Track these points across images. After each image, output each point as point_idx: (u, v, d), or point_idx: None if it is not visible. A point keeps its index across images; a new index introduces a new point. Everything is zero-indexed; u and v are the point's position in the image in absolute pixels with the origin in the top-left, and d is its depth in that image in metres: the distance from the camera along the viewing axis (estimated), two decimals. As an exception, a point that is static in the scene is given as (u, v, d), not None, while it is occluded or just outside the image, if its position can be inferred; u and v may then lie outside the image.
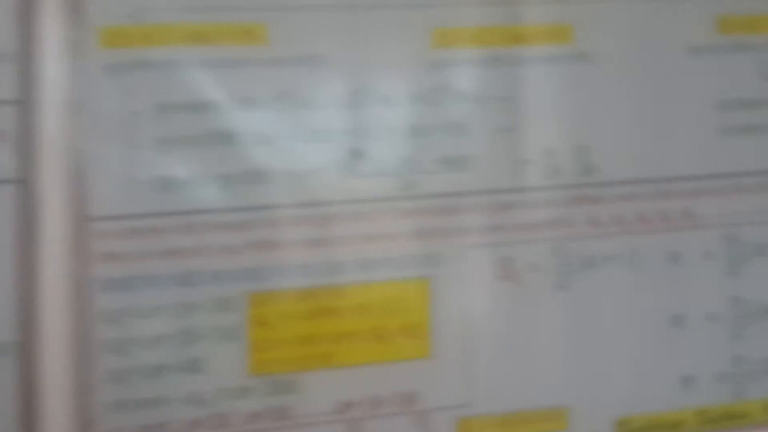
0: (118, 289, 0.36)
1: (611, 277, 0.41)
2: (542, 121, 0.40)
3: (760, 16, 0.42)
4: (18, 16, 0.34)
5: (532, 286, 0.40)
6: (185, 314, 0.37)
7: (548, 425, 0.40)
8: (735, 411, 0.42)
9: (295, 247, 0.38)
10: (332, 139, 0.38)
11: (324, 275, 0.38)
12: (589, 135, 0.40)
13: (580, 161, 0.40)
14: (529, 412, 0.40)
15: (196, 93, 0.37)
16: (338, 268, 0.38)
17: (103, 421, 0.36)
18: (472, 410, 0.39)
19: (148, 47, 0.36)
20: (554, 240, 0.40)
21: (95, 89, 0.36)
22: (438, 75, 0.39)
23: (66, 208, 0.35)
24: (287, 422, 0.38)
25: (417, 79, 0.39)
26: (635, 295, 0.41)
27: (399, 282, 0.39)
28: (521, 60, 0.40)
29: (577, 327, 0.40)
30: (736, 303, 0.42)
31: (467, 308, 0.39)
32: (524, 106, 0.40)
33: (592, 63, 0.40)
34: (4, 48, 0.34)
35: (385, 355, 0.39)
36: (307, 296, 0.38)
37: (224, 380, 0.37)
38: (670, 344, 0.41)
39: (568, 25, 0.40)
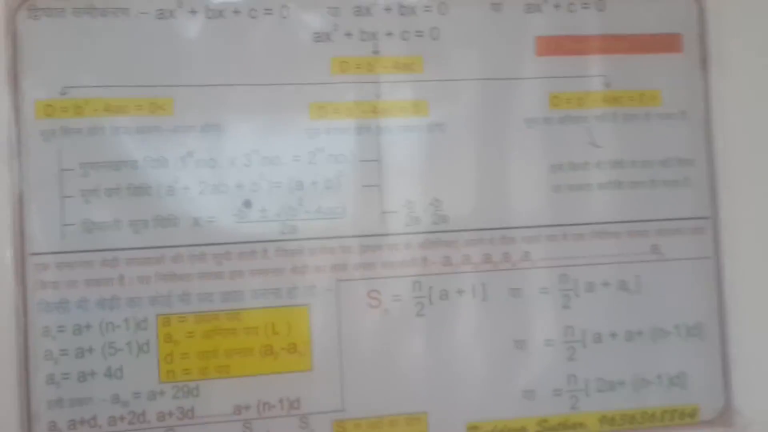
0: (53, 310, 0.46)
1: (462, 307, 0.48)
2: (402, 179, 0.48)
3: (585, 93, 0.52)
4: None
5: (396, 313, 0.48)
6: (107, 332, 0.46)
7: (410, 427, 0.47)
8: (571, 421, 0.48)
9: (197, 279, 0.46)
10: (227, 192, 0.47)
11: (221, 302, 0.47)
12: (442, 190, 0.48)
13: (435, 212, 0.48)
14: (393, 417, 0.46)
15: (115, 154, 0.46)
16: (233, 297, 0.47)
17: (43, 416, 0.45)
18: (346, 414, 0.46)
19: (75, 117, 0.46)
20: (414, 276, 0.48)
21: (33, 150, 0.45)
22: (315, 140, 0.48)
23: (10, 245, 0.45)
24: (192, 421, 0.46)
25: (298, 144, 0.48)
26: (483, 322, 0.47)
27: (284, 308, 0.47)
28: (384, 129, 0.48)
29: (433, 347, 0.48)
30: (569, 331, 0.48)
31: (342, 330, 0.47)
32: (387, 167, 0.48)
33: (444, 132, 0.49)
34: None
35: (273, 367, 0.47)
36: (207, 319, 0.46)
37: (139, 385, 0.46)
38: (513, 363, 0.47)
39: (424, 101, 0.49)
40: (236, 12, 0.47)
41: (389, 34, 0.49)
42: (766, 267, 0.52)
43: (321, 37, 0.49)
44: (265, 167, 0.48)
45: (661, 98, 0.52)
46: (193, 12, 0.47)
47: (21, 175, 0.45)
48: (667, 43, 0.52)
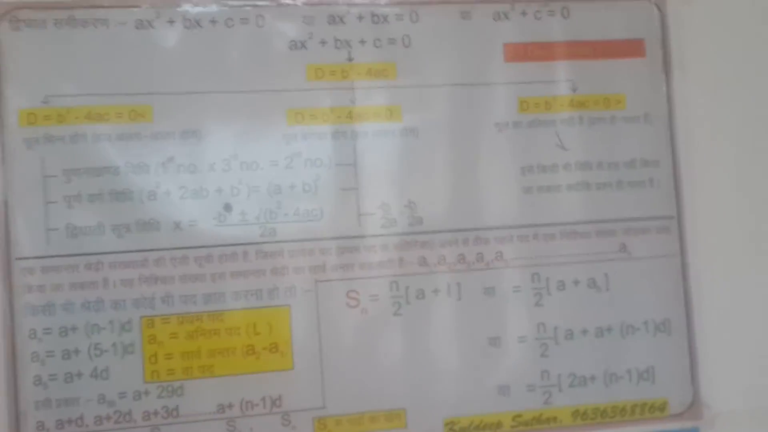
0: (39, 313, 0.47)
1: (438, 306, 0.50)
2: (378, 182, 0.50)
3: (553, 97, 0.54)
4: None
5: (374, 312, 0.50)
6: (92, 333, 0.47)
7: (389, 423, 0.48)
8: (545, 415, 0.50)
9: (179, 281, 0.48)
10: (208, 196, 0.49)
11: (203, 303, 0.48)
12: (416, 193, 0.50)
13: (410, 214, 0.50)
14: (373, 413, 0.48)
15: (96, 160, 0.47)
16: (215, 298, 0.48)
17: (30, 416, 0.47)
18: (327, 411, 0.48)
19: (57, 125, 0.47)
20: (390, 276, 0.50)
21: (17, 157, 0.47)
22: (292, 146, 0.50)
23: None
24: (177, 420, 0.48)
25: (276, 149, 0.49)
26: (458, 320, 0.49)
27: (265, 309, 0.49)
28: (360, 134, 0.50)
29: (411, 345, 0.49)
30: (541, 327, 0.51)
31: (322, 330, 0.49)
32: (363, 170, 0.50)
33: (417, 136, 0.51)
34: None
35: (255, 367, 0.49)
36: (190, 320, 0.48)
37: (125, 385, 0.47)
38: (488, 360, 0.49)
39: (397, 106, 0.51)
40: (213, 21, 0.49)
41: (362, 41, 0.51)
42: (729, 263, 0.54)
43: (296, 45, 0.50)
44: (244, 172, 0.49)
45: (626, 102, 0.53)
46: (171, 22, 0.49)
47: (5, 181, 0.46)
48: (631, 48, 0.54)
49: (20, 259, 0.46)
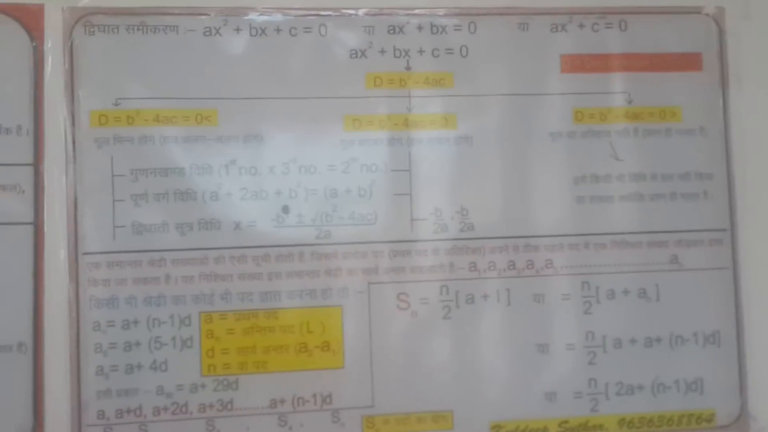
0: (103, 306, 0.50)
1: (487, 311, 0.50)
2: (431, 188, 0.51)
3: (608, 109, 0.56)
4: (31, 102, 0.49)
5: (424, 315, 0.51)
6: (153, 327, 0.50)
7: (436, 424, 0.49)
8: (591, 423, 0.50)
9: (237, 279, 0.51)
10: (267, 198, 0.51)
11: (259, 301, 0.51)
12: (469, 200, 0.52)
13: (462, 220, 0.52)
14: (420, 414, 0.49)
15: (163, 161, 0.50)
16: (271, 296, 0.51)
17: (92, 405, 0.50)
18: (376, 410, 0.49)
19: (126, 126, 0.50)
20: (441, 281, 0.52)
21: (87, 156, 0.49)
22: (349, 151, 0.52)
23: (65, 245, 0.49)
24: (231, 413, 0.49)
25: (333, 154, 0.52)
26: (507, 326, 0.49)
27: (318, 308, 0.51)
28: (415, 141, 0.52)
29: (459, 348, 0.50)
30: (589, 336, 0.51)
31: (372, 330, 0.51)
32: (417, 176, 0.52)
33: (471, 144, 0.52)
34: (22, 124, 0.49)
35: (308, 364, 0.50)
36: (246, 317, 0.51)
37: (183, 378, 0.50)
38: (535, 366, 0.49)
39: (453, 114, 0.53)
40: (278, 30, 0.52)
41: (421, 51, 0.53)
42: None
43: (356, 54, 0.53)
44: (302, 175, 0.52)
45: (682, 114, 0.55)
46: (238, 30, 0.51)
47: (76, 179, 0.50)
48: (688, 61, 0.56)
49: (87, 254, 0.49)
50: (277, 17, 0.52)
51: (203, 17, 0.51)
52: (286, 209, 0.52)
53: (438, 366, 0.50)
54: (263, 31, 0.52)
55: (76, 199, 0.50)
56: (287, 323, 0.51)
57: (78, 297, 0.50)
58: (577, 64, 0.54)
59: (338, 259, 0.52)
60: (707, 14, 0.55)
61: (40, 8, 0.48)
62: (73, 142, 0.50)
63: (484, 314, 0.51)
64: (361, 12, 0.53)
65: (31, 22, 0.48)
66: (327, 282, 0.51)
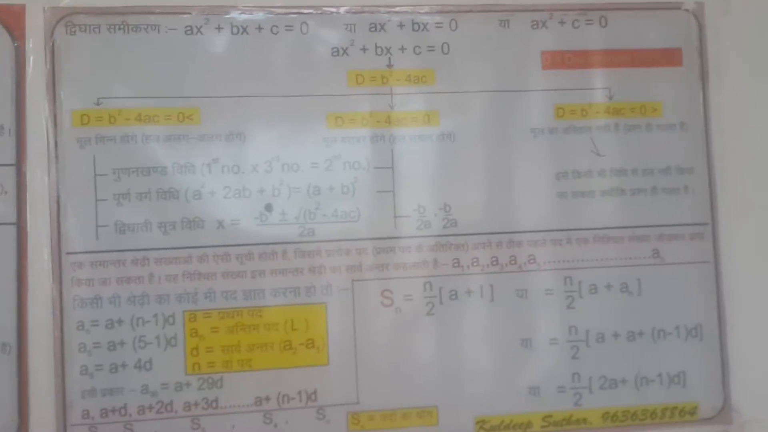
0: (87, 306, 0.50)
1: (471, 307, 0.52)
2: (414, 185, 0.52)
3: (589, 104, 0.56)
4: (13, 102, 0.49)
5: (408, 312, 0.52)
6: (137, 326, 0.51)
7: (421, 420, 0.50)
8: (575, 417, 0.52)
9: (221, 278, 0.51)
10: (250, 196, 0.52)
11: (243, 299, 0.51)
12: (452, 196, 0.53)
13: (445, 216, 0.53)
14: (406, 410, 0.50)
15: (145, 160, 0.51)
16: (254, 295, 0.51)
17: (77, 405, 0.50)
18: (361, 407, 0.50)
19: (108, 126, 0.50)
20: (424, 277, 0.53)
21: (69, 156, 0.50)
22: (332, 148, 0.53)
23: (48, 245, 0.50)
24: (216, 411, 0.50)
25: (316, 152, 0.52)
26: (491, 321, 0.51)
27: (302, 306, 0.52)
28: (397, 138, 0.53)
29: (443, 344, 0.51)
30: (572, 330, 0.52)
31: (357, 327, 0.52)
32: (400, 173, 0.53)
33: (454, 141, 0.53)
34: (4, 124, 0.49)
35: (292, 362, 0.51)
36: (230, 315, 0.51)
37: (167, 377, 0.51)
38: (519, 361, 0.51)
39: (435, 111, 0.54)
40: (259, 28, 0.52)
41: (402, 48, 0.54)
42: (762, 271, 0.55)
43: (338, 52, 0.53)
44: (285, 173, 0.52)
45: (662, 109, 0.55)
46: (219, 28, 0.52)
47: (59, 179, 0.50)
48: (668, 57, 0.56)
49: (71, 253, 0.50)
50: (259, 15, 0.52)
51: (185, 16, 0.52)
52: (269, 207, 0.52)
53: (422, 362, 0.51)
54: (245, 29, 0.52)
55: (58, 198, 0.50)
56: (271, 321, 0.52)
57: (62, 297, 0.50)
58: (558, 60, 0.55)
59: (322, 256, 0.52)
60: (687, 10, 0.56)
61: (22, 8, 0.49)
62: (56, 142, 0.50)
63: (468, 310, 0.52)
64: (342, 10, 0.53)
65: (12, 22, 0.49)
66: (311, 279, 0.52)
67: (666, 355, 0.54)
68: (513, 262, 0.52)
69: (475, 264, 0.53)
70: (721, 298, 0.55)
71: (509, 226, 0.53)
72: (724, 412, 0.54)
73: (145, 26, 0.51)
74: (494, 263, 0.52)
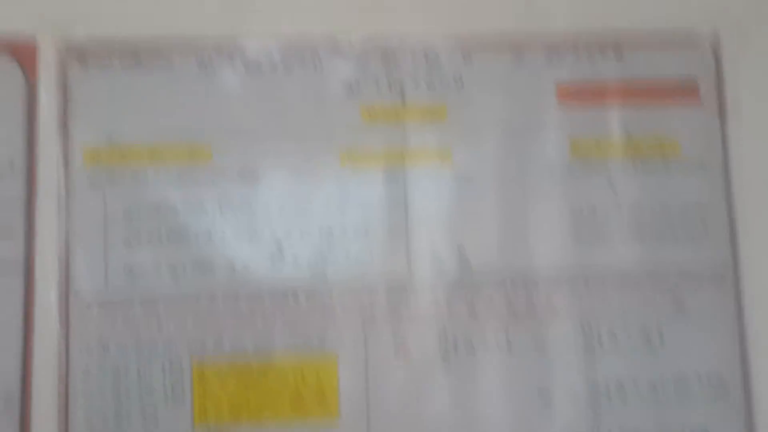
0: (94, 352, 0.51)
1: (486, 359, 0.53)
2: (428, 225, 0.54)
3: (606, 140, 0.56)
4: (24, 138, 0.50)
5: (422, 363, 0.53)
6: (144, 375, 0.51)
7: None
8: None
9: (231, 325, 0.52)
10: (262, 238, 0.53)
11: (253, 348, 0.52)
12: (466, 237, 0.54)
13: (459, 258, 0.53)
14: None
15: (156, 199, 0.52)
16: (264, 343, 0.52)
17: None
18: None
19: (120, 163, 0.51)
20: (439, 327, 0.54)
21: (80, 196, 0.51)
22: (345, 188, 0.54)
23: (56, 287, 0.51)
24: None
25: (328, 191, 0.53)
26: (507, 373, 0.53)
27: (313, 356, 0.52)
28: (410, 177, 0.54)
29: (459, 397, 0.53)
30: (592, 381, 0.54)
31: (369, 379, 0.52)
32: (413, 213, 0.54)
33: (468, 179, 0.54)
34: (14, 160, 0.50)
35: (302, 413, 0.52)
36: (239, 365, 0.52)
37: (174, 429, 0.51)
38: (538, 414, 0.53)
39: (447, 148, 0.55)
40: (272, 64, 0.53)
41: (416, 82, 0.55)
42: None
43: (351, 87, 0.54)
44: (297, 214, 0.53)
45: (680, 148, 0.56)
46: (232, 64, 0.53)
47: (68, 220, 0.51)
48: (685, 93, 0.57)
49: (79, 297, 0.50)
50: (271, 47, 0.54)
51: (197, 52, 0.53)
52: (280, 249, 0.53)
53: (437, 416, 0.52)
54: (258, 65, 0.53)
55: (67, 241, 0.51)
56: (282, 371, 0.52)
57: (68, 341, 0.51)
58: (573, 92, 0.56)
59: (333, 299, 0.53)
60: (703, 42, 0.57)
61: (34, 44, 0.50)
62: (66, 181, 0.51)
63: (484, 362, 0.53)
64: (354, 39, 0.54)
65: (24, 57, 0.50)
66: (322, 326, 0.53)
67: (689, 408, 0.55)
68: (530, 308, 0.54)
69: (490, 310, 0.54)
70: (744, 349, 0.55)
71: (525, 267, 0.54)
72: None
73: (158, 62, 0.52)
74: (511, 310, 0.54)
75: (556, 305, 0.54)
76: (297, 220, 0.53)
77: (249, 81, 0.52)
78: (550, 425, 0.54)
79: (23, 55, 0.49)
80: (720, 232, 0.56)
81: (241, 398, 0.51)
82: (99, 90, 0.50)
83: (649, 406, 0.55)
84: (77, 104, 0.50)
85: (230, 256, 0.51)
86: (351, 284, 0.53)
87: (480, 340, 0.53)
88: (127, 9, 0.50)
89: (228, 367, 0.51)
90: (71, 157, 0.50)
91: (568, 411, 0.54)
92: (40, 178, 0.49)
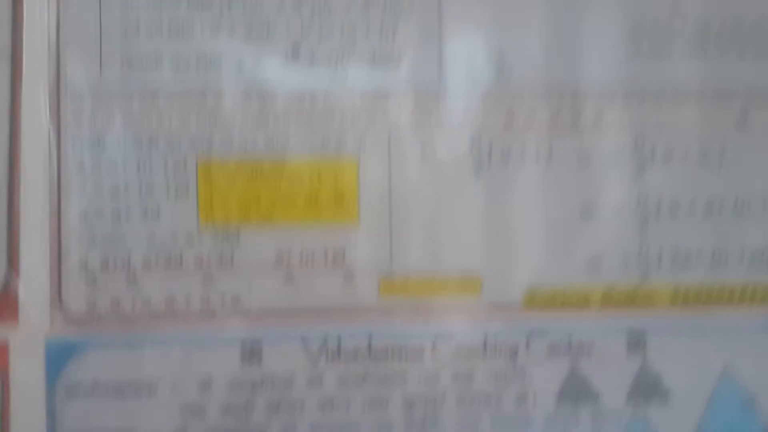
0: (89, 147, 0.49)
1: (524, 169, 0.50)
2: (464, 27, 0.50)
3: None
4: None
5: (452, 170, 0.50)
6: (143, 170, 0.49)
7: (463, 289, 0.50)
8: (640, 293, 0.52)
9: (240, 123, 0.49)
10: (275, 35, 0.50)
11: (265, 148, 0.49)
12: (507, 42, 0.50)
13: (499, 65, 0.50)
14: (445, 278, 0.50)
15: None
16: (277, 141, 0.49)
17: (74, 253, 0.49)
18: (394, 271, 0.50)
19: None
20: (472, 133, 0.50)
21: None
22: None
23: (46, 79, 0.49)
24: (231, 269, 0.49)
25: None
26: (546, 186, 0.50)
27: (331, 158, 0.50)
28: None
29: (491, 208, 0.50)
30: (641, 199, 0.51)
31: (393, 185, 0.49)
32: (447, 13, 0.50)
33: None
34: None
35: (318, 217, 0.49)
36: (249, 164, 0.49)
37: (177, 228, 0.49)
38: (578, 230, 0.50)
39: None
40: None
41: None
42: None
43: None
44: (316, 11, 0.49)
45: None
46: None
47: (59, 4, 0.48)
48: None
49: (70, 88, 0.48)
50: None
51: None
52: (296, 47, 0.49)
53: (467, 225, 0.50)
54: None
55: (58, 25, 0.48)
56: (296, 173, 0.49)
57: (60, 136, 0.48)
58: None
59: (355, 104, 0.50)
60: None
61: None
62: None
63: (521, 172, 0.51)
64: None
65: None
66: (342, 129, 0.50)
67: (748, 230, 0.52)
68: (576, 121, 0.50)
69: (530, 121, 0.50)
70: None
71: (574, 79, 0.50)
72: (813, 293, 0.48)
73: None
74: (554, 122, 0.50)
75: (606, 120, 0.51)
76: (316, 17, 0.49)
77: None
78: (592, 241, 0.51)
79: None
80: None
81: (251, 198, 0.49)
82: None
83: (704, 226, 0.51)
84: None
85: (239, 53, 0.48)
86: (375, 88, 0.49)
87: (518, 151, 0.50)
88: None
89: (237, 165, 0.49)
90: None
91: (612, 227, 0.51)
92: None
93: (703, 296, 0.52)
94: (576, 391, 0.51)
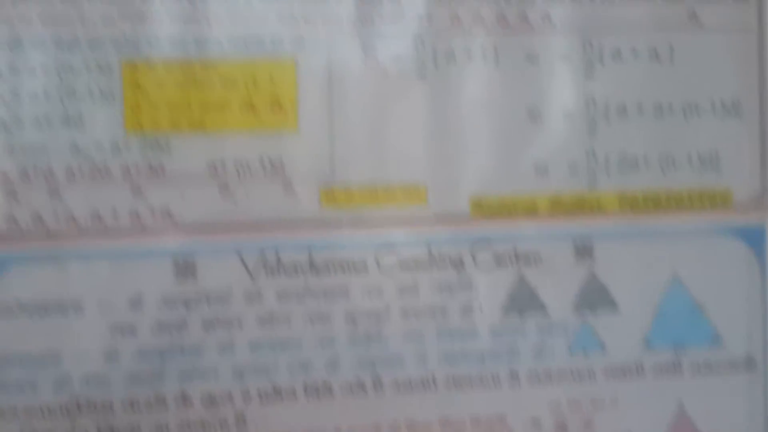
0: (5, 49, 0.45)
1: (470, 72, 0.48)
2: None
3: None
4: None
5: (395, 73, 0.47)
6: (63, 75, 0.45)
7: (407, 198, 0.48)
8: (587, 199, 0.50)
9: (168, 22, 0.46)
10: None
11: (195, 49, 0.46)
12: None
13: None
14: (389, 187, 0.48)
15: None
16: (208, 44, 0.46)
17: None
18: (335, 182, 0.47)
19: None
20: (416, 34, 0.48)
21: None
22: None
23: None
24: (161, 179, 0.46)
25: None
26: (493, 89, 0.48)
27: (266, 59, 0.46)
28: None
29: (436, 113, 0.47)
30: (590, 102, 0.49)
31: (333, 89, 0.47)
32: None
33: None
34: None
35: (254, 123, 0.46)
36: (179, 66, 0.46)
37: (102, 136, 0.46)
38: (525, 135, 0.48)
39: None
40: None
41: None
42: None
43: None
44: None
45: None
46: None
47: None
48: None
49: None
50: None
51: None
52: None
53: (411, 132, 0.48)
54: None
55: None
56: (229, 76, 0.46)
57: None
58: None
59: (293, 2, 0.47)
60: None
61: None
62: None
63: (467, 75, 0.48)
64: None
65: None
66: (278, 29, 0.47)
67: (698, 133, 0.50)
68: (523, 20, 0.48)
69: (477, 21, 0.48)
70: (764, 72, 0.50)
71: None
72: (761, 199, 0.51)
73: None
74: (501, 21, 0.48)
75: (554, 19, 0.49)
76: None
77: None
78: (539, 146, 0.49)
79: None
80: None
81: (181, 104, 0.46)
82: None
83: (653, 129, 0.50)
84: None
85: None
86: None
87: (463, 52, 0.48)
88: None
89: (165, 68, 0.45)
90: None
91: (560, 131, 0.49)
92: None
93: (651, 202, 0.50)
94: (523, 301, 0.50)
